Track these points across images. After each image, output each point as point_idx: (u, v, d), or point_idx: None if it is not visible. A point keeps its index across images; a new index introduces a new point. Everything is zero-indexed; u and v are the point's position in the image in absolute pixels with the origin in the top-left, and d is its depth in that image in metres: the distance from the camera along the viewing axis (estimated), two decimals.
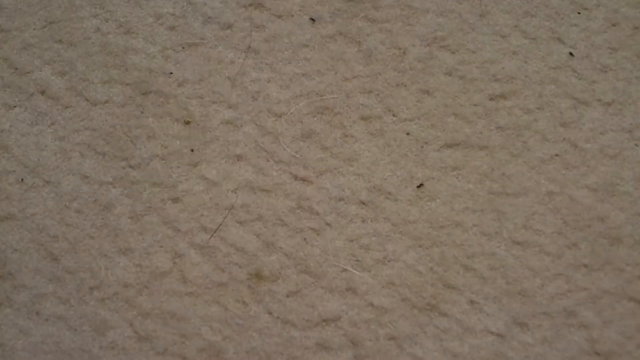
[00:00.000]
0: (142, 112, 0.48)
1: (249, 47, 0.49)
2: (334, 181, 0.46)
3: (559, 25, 0.50)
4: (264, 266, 0.44)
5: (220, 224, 0.45)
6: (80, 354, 0.42)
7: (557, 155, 0.47)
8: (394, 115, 0.48)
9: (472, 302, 0.43)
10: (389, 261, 0.44)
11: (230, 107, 0.48)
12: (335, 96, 0.48)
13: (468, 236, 0.45)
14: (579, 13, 0.50)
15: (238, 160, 0.46)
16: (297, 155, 0.47)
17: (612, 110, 0.47)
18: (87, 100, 0.48)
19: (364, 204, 0.45)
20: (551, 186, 0.46)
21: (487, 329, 0.43)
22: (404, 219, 0.45)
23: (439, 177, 0.46)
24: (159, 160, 0.47)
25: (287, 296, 0.43)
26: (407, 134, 0.47)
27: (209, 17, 0.49)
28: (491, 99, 0.48)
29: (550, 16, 0.50)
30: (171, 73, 0.49)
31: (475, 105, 0.48)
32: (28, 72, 0.49)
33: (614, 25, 0.49)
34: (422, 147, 0.47)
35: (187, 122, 0.47)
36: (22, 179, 0.46)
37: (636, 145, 0.47)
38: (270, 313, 0.43)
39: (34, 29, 0.50)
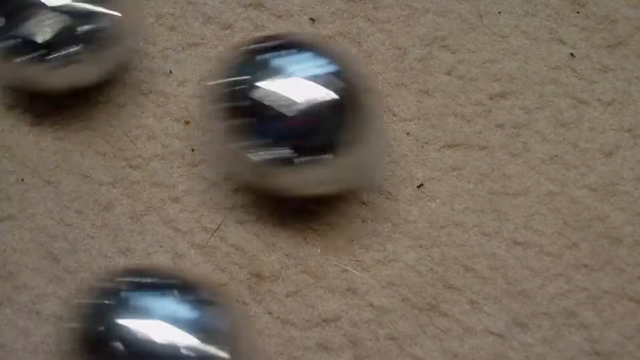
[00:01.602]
0: (142, 112, 0.48)
1: None
2: None
3: (559, 25, 0.50)
4: (264, 266, 0.44)
5: (220, 224, 0.45)
6: None
7: (557, 155, 0.47)
8: (394, 115, 0.48)
9: (472, 302, 0.43)
10: (389, 261, 0.44)
11: None
12: None
13: (468, 236, 0.45)
14: (578, 13, 0.50)
15: None
16: None
17: (612, 110, 0.47)
18: (87, 100, 0.48)
19: (363, 204, 0.45)
20: (551, 186, 0.46)
21: (487, 329, 0.43)
22: (404, 219, 0.45)
23: (439, 177, 0.46)
24: (159, 160, 0.47)
25: (287, 296, 0.43)
26: (407, 134, 0.47)
27: (209, 17, 0.49)
28: (491, 99, 0.48)
29: (550, 16, 0.50)
30: (171, 72, 0.49)
31: (475, 105, 0.48)
32: None
33: (614, 25, 0.49)
34: (422, 147, 0.47)
35: (187, 122, 0.47)
36: (22, 179, 0.46)
37: (636, 144, 0.47)
38: (270, 313, 0.43)
39: None
